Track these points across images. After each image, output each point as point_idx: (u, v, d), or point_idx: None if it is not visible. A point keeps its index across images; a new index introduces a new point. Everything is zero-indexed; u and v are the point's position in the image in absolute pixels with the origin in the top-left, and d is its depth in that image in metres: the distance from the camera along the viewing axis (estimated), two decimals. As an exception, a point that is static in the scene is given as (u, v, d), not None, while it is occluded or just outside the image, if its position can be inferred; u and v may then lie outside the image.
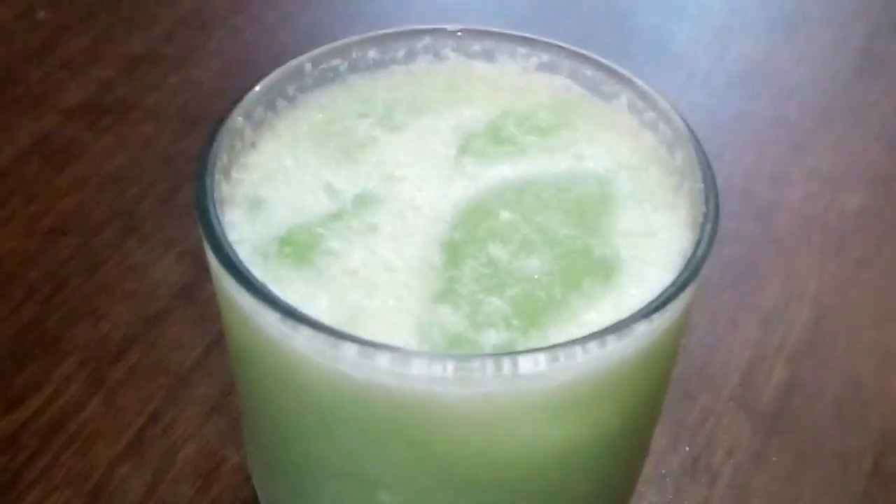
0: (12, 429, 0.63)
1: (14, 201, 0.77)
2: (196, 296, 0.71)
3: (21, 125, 0.83)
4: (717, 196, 0.45)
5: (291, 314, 0.40)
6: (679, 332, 0.45)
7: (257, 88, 0.49)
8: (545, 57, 0.53)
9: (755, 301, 0.73)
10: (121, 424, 0.63)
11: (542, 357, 0.39)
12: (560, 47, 0.53)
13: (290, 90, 0.51)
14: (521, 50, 0.54)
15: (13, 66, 0.89)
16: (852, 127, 0.88)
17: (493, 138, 0.51)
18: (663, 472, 0.63)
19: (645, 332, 0.41)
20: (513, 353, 0.39)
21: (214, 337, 0.68)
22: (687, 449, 0.64)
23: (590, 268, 0.44)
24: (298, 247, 0.45)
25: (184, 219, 0.76)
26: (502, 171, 0.49)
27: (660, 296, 0.41)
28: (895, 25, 1.00)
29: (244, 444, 0.58)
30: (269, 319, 0.40)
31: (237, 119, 0.48)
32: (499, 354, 0.39)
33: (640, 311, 0.40)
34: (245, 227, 0.46)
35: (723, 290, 0.73)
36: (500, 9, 1.01)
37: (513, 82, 0.54)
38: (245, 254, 0.44)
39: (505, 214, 0.46)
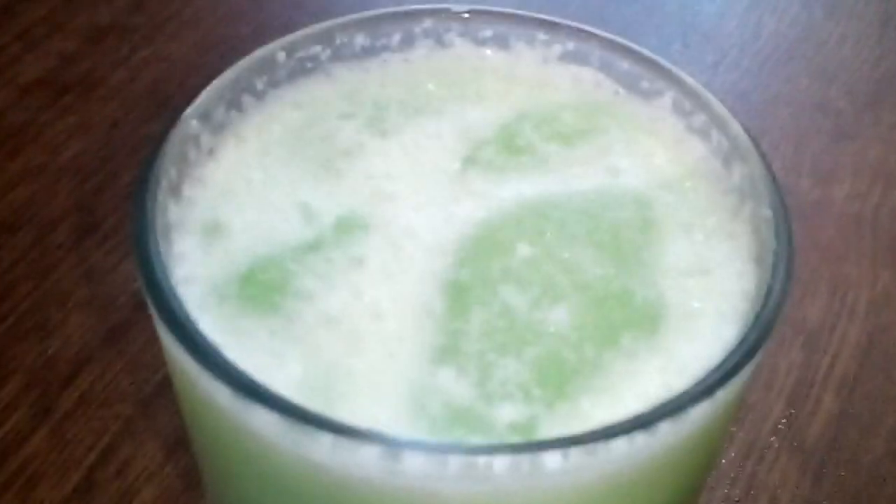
0: (-57, 467, 0.55)
1: (-42, 192, 0.69)
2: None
3: (-30, 104, 0.75)
4: (790, 227, 0.36)
5: (247, 390, 0.31)
6: (742, 400, 0.36)
7: (217, 83, 0.40)
8: (570, 45, 0.44)
9: (799, 317, 0.65)
10: (69, 462, 0.56)
11: (573, 451, 0.30)
12: (588, 33, 0.44)
13: (260, 84, 0.42)
14: (542, 36, 0.45)
15: (-37, 37, 0.80)
16: (904, 113, 0.79)
17: (507, 146, 0.42)
18: (698, 522, 0.54)
19: (704, 413, 0.32)
20: (534, 445, 0.30)
21: (180, 357, 0.59)
22: (725, 492, 0.56)
23: (630, 319, 0.36)
24: (264, 288, 0.36)
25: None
26: (518, 188, 0.40)
27: (723, 363, 0.32)
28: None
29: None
30: (220, 392, 0.31)
31: (190, 122, 0.39)
32: (516, 446, 0.30)
33: (699, 384, 0.32)
34: (198, 261, 0.37)
35: (762, 304, 0.65)
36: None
37: (531, 76, 0.45)
38: (196, 296, 0.36)
39: (523, 248, 0.37)
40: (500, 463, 0.30)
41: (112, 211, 0.68)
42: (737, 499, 0.56)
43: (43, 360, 0.60)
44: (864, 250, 0.69)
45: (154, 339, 0.60)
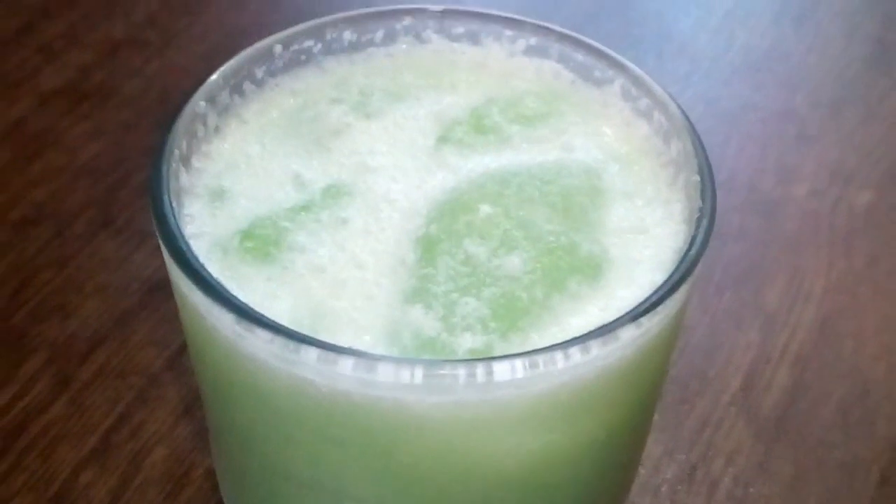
0: (-28, 430, 0.60)
1: (-16, 191, 0.74)
2: (170, 292, 0.67)
3: (-6, 112, 0.80)
4: (714, 190, 0.42)
5: (247, 315, 0.36)
6: (671, 337, 0.42)
7: (222, 70, 0.46)
8: (533, 40, 0.50)
9: (759, 301, 0.70)
10: (87, 426, 0.60)
11: (519, 363, 0.35)
12: (549, 30, 0.49)
13: (259, 73, 0.48)
14: (508, 32, 0.50)
15: (-12, 51, 0.86)
16: (863, 120, 0.84)
17: (476, 127, 0.47)
18: (659, 481, 0.59)
19: (632, 336, 0.37)
20: (487, 359, 0.36)
21: (188, 335, 0.64)
22: (684, 457, 0.61)
23: (576, 266, 0.41)
24: (261, 241, 0.42)
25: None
26: (484, 161, 0.46)
27: (649, 297, 0.38)
28: (910, 14, 0.96)
29: (211, 452, 0.55)
30: (223, 320, 0.37)
31: (199, 103, 0.45)
32: (472, 360, 0.36)
33: (628, 313, 0.37)
34: (205, 220, 0.43)
35: (724, 290, 0.70)
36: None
37: (499, 67, 0.51)
38: (203, 248, 0.41)
39: (485, 208, 0.43)
40: (460, 373, 0.35)
41: (125, 207, 0.73)
42: (694, 462, 0.61)
43: (63, 339, 0.64)
44: (821, 242, 0.74)
45: (162, 321, 0.66)
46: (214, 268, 0.40)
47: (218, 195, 0.44)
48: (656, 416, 0.61)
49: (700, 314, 0.68)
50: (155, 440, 0.60)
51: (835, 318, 0.69)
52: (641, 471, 0.59)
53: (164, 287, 0.67)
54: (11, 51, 0.85)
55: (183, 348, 0.64)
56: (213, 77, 0.46)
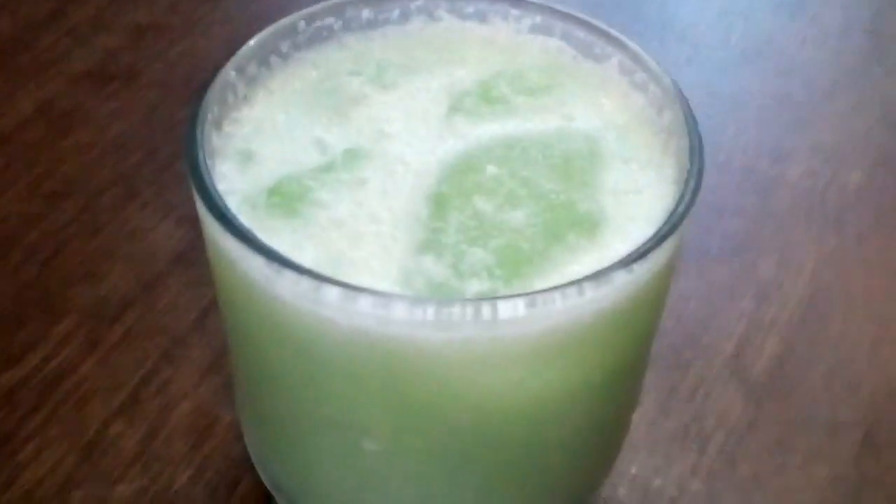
0: (9, 386, 0.64)
1: (17, 165, 0.78)
2: (193, 260, 0.71)
3: (26, 91, 0.84)
4: (702, 153, 0.46)
5: (275, 258, 0.40)
6: (661, 287, 0.45)
7: (251, 44, 0.50)
8: (538, 19, 0.54)
9: (752, 274, 0.73)
10: (116, 383, 0.64)
11: (520, 302, 0.39)
12: (553, 9, 0.53)
13: (284, 47, 0.52)
14: (515, 12, 0.54)
15: (20, 34, 0.90)
16: (856, 105, 0.88)
17: (484, 98, 0.51)
18: (655, 436, 0.63)
19: (624, 282, 0.41)
20: (492, 298, 0.39)
21: (211, 300, 0.68)
22: (679, 415, 0.64)
23: (574, 222, 0.45)
24: (287, 197, 0.45)
25: (184, 185, 0.76)
26: (492, 129, 0.49)
27: (640, 247, 0.41)
28: (901, 7, 1.00)
29: (235, 401, 0.59)
30: (253, 264, 0.41)
31: (230, 73, 0.49)
32: (478, 299, 0.40)
33: (621, 260, 0.41)
34: (235, 179, 0.47)
35: (720, 263, 0.74)
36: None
37: (506, 44, 0.54)
38: (234, 204, 0.45)
39: (491, 169, 0.46)
40: (468, 311, 0.39)
41: (151, 182, 0.77)
42: (689, 420, 0.64)
43: (93, 303, 0.68)
44: (813, 220, 0.77)
45: (187, 287, 0.70)
46: (245, 220, 0.43)
47: (247, 157, 0.48)
48: (653, 377, 0.64)
49: (696, 285, 0.72)
50: (180, 395, 0.64)
51: (824, 290, 0.73)
52: (639, 427, 0.62)
53: (188, 256, 0.71)
54: (42, 34, 0.89)
55: (206, 312, 0.68)
56: (243, 50, 0.49)
